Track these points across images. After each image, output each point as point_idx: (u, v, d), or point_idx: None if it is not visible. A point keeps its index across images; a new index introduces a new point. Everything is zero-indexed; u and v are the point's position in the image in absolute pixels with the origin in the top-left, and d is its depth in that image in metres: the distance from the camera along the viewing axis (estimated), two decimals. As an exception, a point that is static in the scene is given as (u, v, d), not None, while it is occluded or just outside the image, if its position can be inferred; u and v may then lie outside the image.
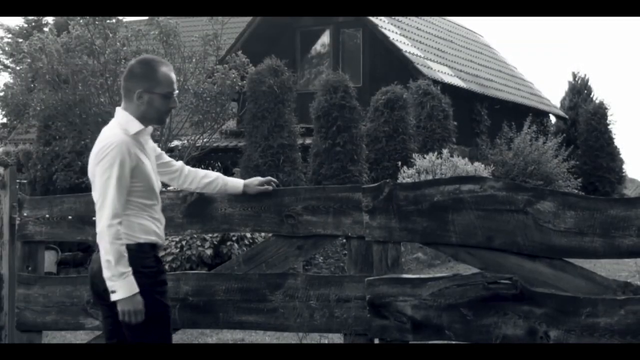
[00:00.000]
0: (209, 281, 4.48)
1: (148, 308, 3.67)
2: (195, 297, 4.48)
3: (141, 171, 3.76)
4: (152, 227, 3.82)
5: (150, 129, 3.93)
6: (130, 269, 3.62)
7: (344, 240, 11.00)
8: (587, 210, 3.82)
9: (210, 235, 9.46)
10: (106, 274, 3.60)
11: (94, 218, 4.50)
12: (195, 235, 9.42)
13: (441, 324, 3.97)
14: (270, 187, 4.35)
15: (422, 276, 4.10)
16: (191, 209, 4.48)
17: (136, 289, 3.61)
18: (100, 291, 3.72)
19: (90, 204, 4.58)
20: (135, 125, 3.78)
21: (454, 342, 4.02)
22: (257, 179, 4.38)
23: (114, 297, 3.60)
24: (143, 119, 3.81)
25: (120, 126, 3.77)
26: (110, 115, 13.40)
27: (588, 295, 3.80)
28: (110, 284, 3.59)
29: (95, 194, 3.71)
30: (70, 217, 4.74)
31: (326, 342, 5.63)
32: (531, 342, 3.81)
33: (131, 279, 3.61)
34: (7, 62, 34.00)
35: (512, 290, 3.84)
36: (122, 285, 3.59)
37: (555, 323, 3.79)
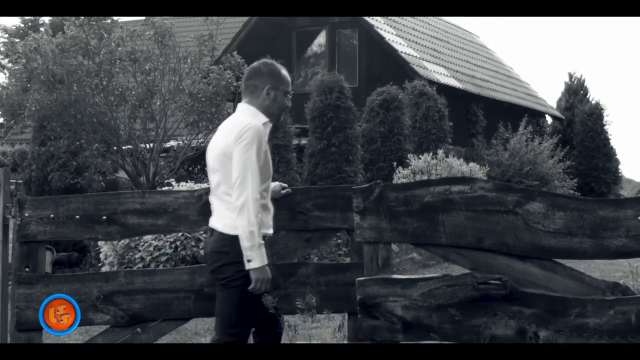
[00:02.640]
0: None
1: (239, 300, 4.02)
2: (210, 287, 4.66)
3: (267, 158, 4.14)
4: (264, 219, 4.10)
5: (270, 125, 4.26)
6: (263, 241, 3.97)
7: (339, 241, 11.03)
8: (576, 211, 3.84)
9: (205, 235, 9.47)
10: (246, 243, 3.91)
11: (104, 217, 4.77)
12: (189, 235, 9.44)
13: (431, 325, 3.98)
14: (290, 190, 4.72)
15: (413, 277, 4.12)
16: (206, 207, 4.67)
17: (266, 260, 3.96)
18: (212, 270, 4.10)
19: (100, 203, 4.84)
20: (264, 117, 4.19)
21: (444, 343, 4.03)
22: (277, 184, 4.66)
23: (249, 266, 3.93)
24: (265, 114, 4.21)
25: (251, 116, 4.14)
26: (105, 115, 13.38)
27: (577, 296, 3.82)
28: (248, 254, 3.92)
29: (235, 171, 4.01)
30: (77, 216, 4.82)
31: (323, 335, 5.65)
32: (521, 342, 3.82)
33: (264, 250, 3.95)
34: (3, 62, 33.98)
35: (501, 291, 3.85)
36: (257, 255, 3.92)
37: (544, 323, 3.81)
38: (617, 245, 3.78)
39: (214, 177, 4.20)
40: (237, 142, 4.01)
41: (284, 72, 4.28)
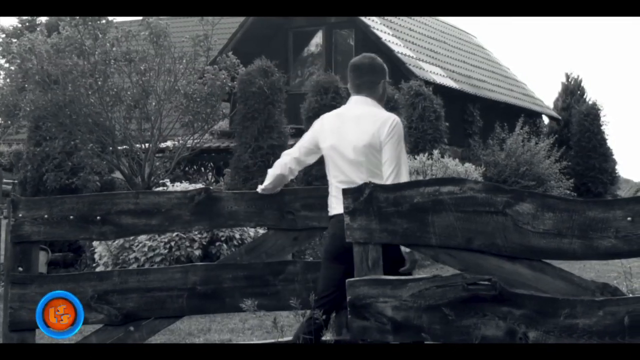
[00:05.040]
0: (217, 271, 4.91)
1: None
2: (203, 286, 4.86)
3: None
4: None
5: None
6: None
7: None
8: (565, 211, 3.83)
9: (199, 235, 9.49)
10: None
11: (98, 218, 4.85)
12: (184, 236, 9.45)
13: (421, 325, 3.97)
14: None
15: (402, 277, 4.12)
16: (199, 208, 4.86)
17: None
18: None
19: (94, 203, 4.90)
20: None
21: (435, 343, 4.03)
22: None
23: (405, 249, 4.30)
24: (380, 104, 4.67)
25: (379, 109, 4.61)
26: (100, 115, 13.39)
27: (567, 297, 3.81)
28: None
29: (389, 164, 4.42)
30: (71, 216, 4.87)
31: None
32: (510, 343, 3.82)
33: None
34: (1, 62, 33.88)
35: (491, 292, 3.84)
36: None
37: (534, 324, 3.80)
38: (606, 246, 3.77)
39: (349, 167, 4.51)
40: (389, 136, 4.41)
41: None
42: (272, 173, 4.84)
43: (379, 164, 4.48)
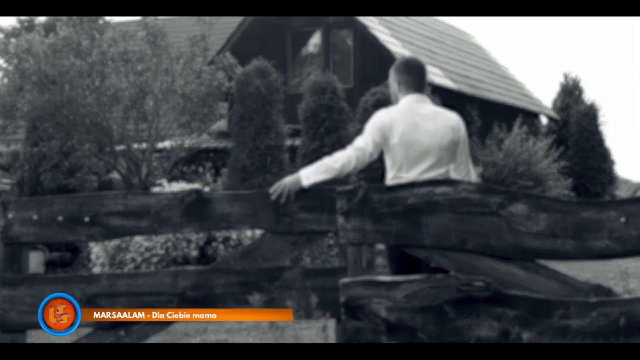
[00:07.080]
0: (208, 276, 4.67)
1: None
2: (193, 291, 4.63)
3: None
4: None
5: None
6: None
7: (332, 242, 11.04)
8: (559, 213, 3.84)
9: (196, 236, 9.48)
10: None
11: (87, 219, 4.72)
12: (180, 237, 9.43)
13: (415, 326, 3.96)
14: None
15: (397, 278, 4.11)
16: (189, 210, 4.67)
17: None
18: None
19: (83, 205, 4.78)
20: None
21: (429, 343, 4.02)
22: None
23: None
24: None
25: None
26: (98, 116, 13.36)
27: (561, 298, 3.81)
28: None
29: (468, 161, 4.72)
30: (60, 218, 4.78)
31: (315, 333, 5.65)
32: (504, 343, 3.82)
33: None
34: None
35: (485, 293, 3.84)
36: None
37: (528, 325, 3.80)
38: (600, 247, 3.78)
39: (429, 164, 4.54)
40: (465, 136, 4.65)
41: None
42: (339, 167, 4.64)
43: (454, 160, 4.67)
